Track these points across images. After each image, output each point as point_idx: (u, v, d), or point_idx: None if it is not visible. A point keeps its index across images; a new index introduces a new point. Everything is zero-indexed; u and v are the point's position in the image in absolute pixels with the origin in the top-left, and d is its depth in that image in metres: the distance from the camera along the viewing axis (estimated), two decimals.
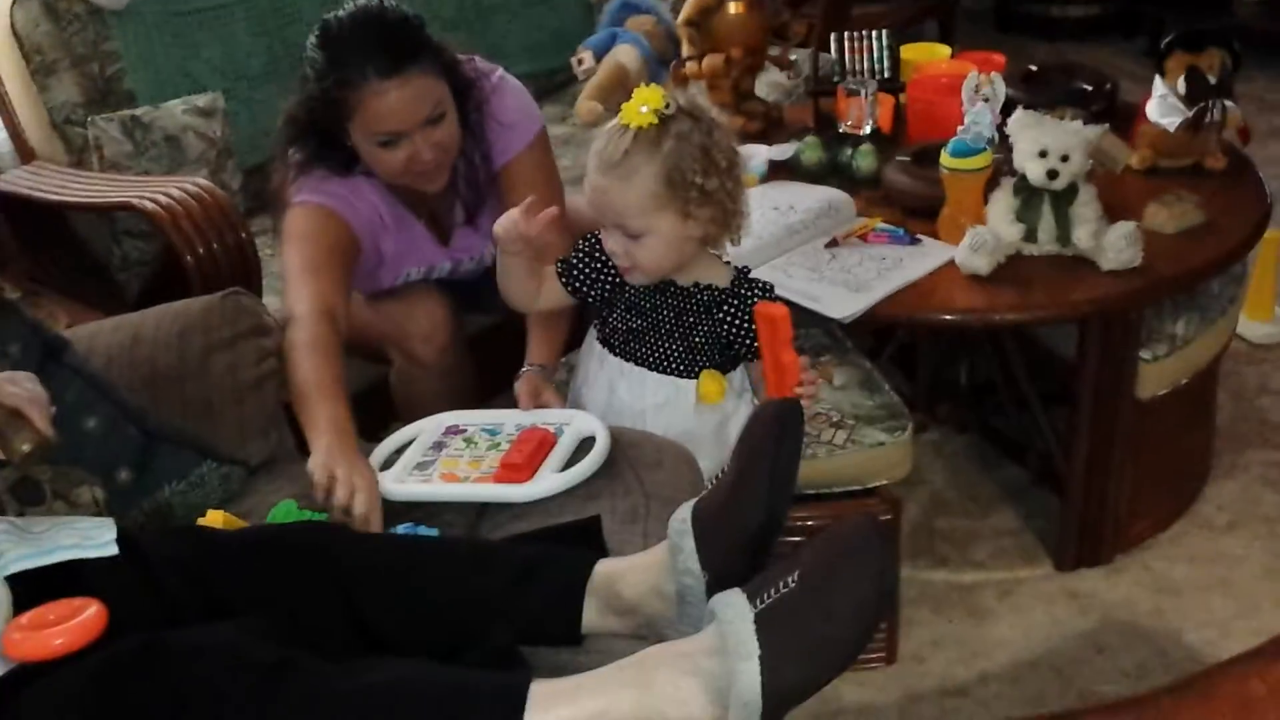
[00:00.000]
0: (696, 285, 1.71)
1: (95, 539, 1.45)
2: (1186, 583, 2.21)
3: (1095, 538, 2.25)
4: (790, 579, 1.19)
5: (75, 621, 1.31)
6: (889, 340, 2.59)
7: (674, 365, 1.75)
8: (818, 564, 1.19)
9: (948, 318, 2.02)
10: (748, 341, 1.71)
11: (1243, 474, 2.47)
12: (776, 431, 1.32)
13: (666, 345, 1.74)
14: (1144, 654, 2.07)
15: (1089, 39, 4.62)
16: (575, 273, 1.77)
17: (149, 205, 2.26)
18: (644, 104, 1.61)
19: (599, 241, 1.73)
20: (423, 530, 1.59)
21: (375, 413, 2.27)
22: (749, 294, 1.70)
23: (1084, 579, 2.24)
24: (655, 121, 1.59)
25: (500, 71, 2.10)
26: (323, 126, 1.94)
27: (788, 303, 1.77)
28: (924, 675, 2.06)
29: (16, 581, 1.38)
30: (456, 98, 1.96)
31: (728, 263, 1.76)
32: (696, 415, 1.76)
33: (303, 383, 1.71)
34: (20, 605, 1.36)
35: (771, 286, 1.74)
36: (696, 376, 1.74)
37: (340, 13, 1.89)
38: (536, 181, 2.07)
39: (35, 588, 1.37)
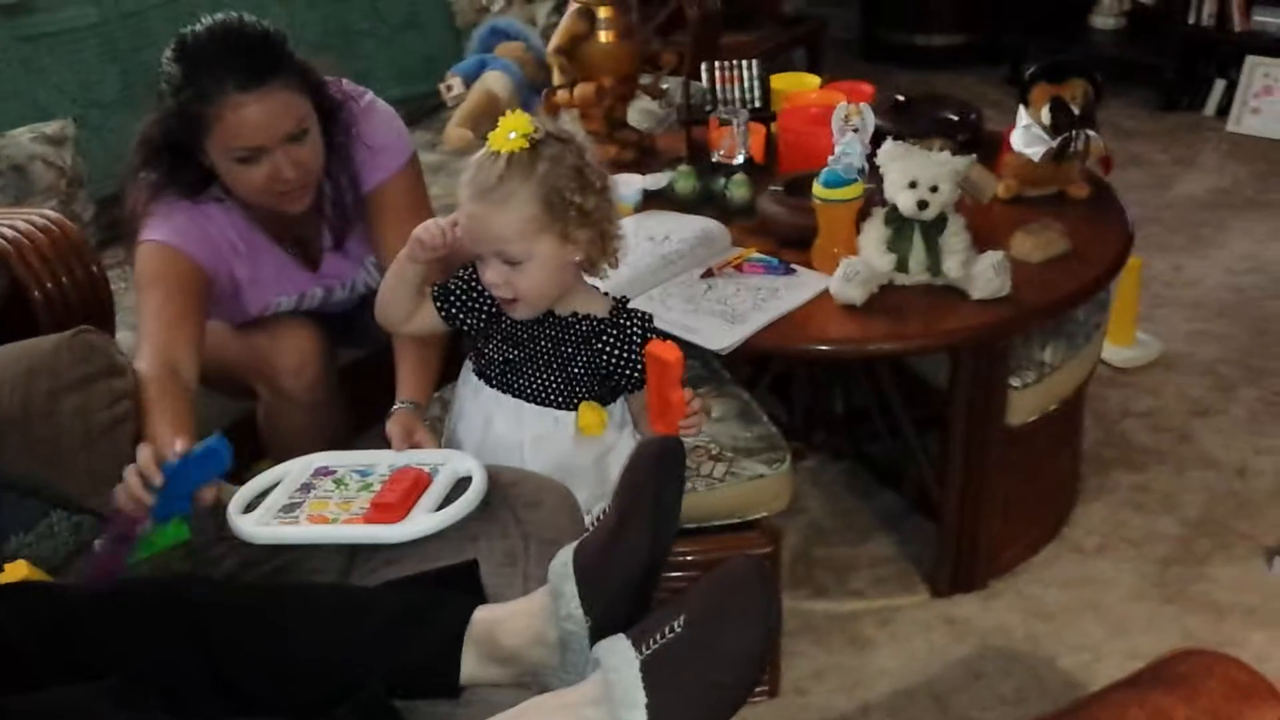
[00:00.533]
0: (575, 315, 1.68)
1: None
2: (1059, 607, 2.24)
3: (970, 564, 2.27)
4: (676, 624, 1.17)
5: None
6: (765, 369, 2.59)
7: (552, 397, 1.71)
8: (703, 608, 1.17)
9: (823, 348, 2.02)
10: (627, 373, 1.68)
11: (1109, 496, 2.52)
12: (658, 471, 1.30)
13: (544, 376, 1.70)
14: (1021, 679, 2.09)
15: (953, 68, 4.72)
16: (452, 299, 1.73)
17: None
18: (512, 130, 1.58)
19: (476, 270, 1.69)
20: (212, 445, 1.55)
21: (240, 450, 2.19)
22: (628, 324, 1.68)
23: (960, 605, 2.25)
24: (526, 146, 1.57)
25: (370, 95, 2.04)
26: (178, 145, 1.87)
27: (673, 338, 1.75)
28: (806, 708, 2.05)
29: None
30: (323, 119, 1.91)
31: (606, 294, 1.73)
32: (576, 447, 1.73)
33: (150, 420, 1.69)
34: None
35: (651, 317, 1.72)
36: (575, 408, 1.71)
37: (197, 26, 1.82)
38: (407, 207, 2.03)
39: None
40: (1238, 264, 3.39)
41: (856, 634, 2.20)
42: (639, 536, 1.28)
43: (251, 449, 2.18)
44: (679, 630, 1.16)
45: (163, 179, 1.92)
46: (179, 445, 1.55)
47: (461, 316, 1.73)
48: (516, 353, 1.70)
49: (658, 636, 1.17)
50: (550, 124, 1.63)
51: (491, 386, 1.74)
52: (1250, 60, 4.26)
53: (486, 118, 3.26)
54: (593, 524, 1.69)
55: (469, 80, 3.36)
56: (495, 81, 3.33)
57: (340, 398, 2.14)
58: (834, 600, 2.28)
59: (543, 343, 1.69)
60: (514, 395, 1.73)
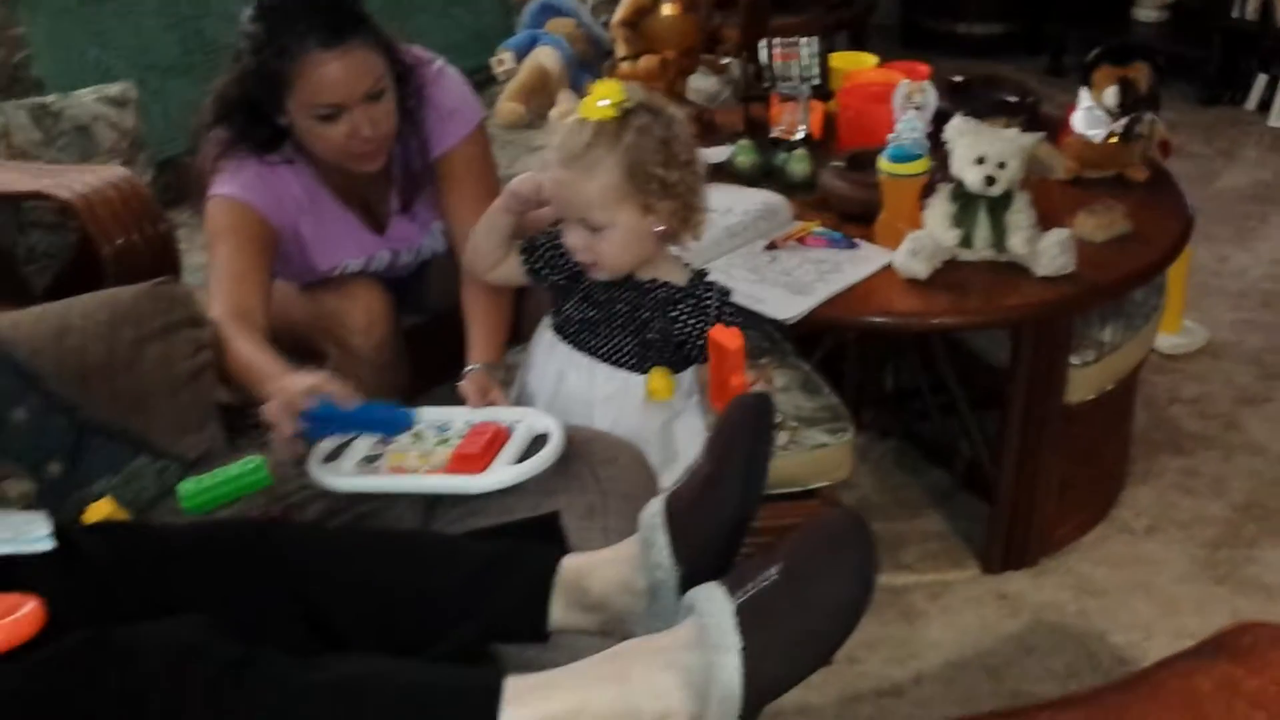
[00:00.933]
0: (654, 281, 1.70)
1: (29, 534, 1.38)
2: (1109, 585, 2.26)
3: (1022, 541, 2.28)
4: (772, 571, 1.18)
5: (9, 619, 1.24)
6: (816, 347, 2.61)
7: (625, 359, 1.73)
8: (800, 557, 1.18)
9: (887, 321, 2.04)
10: (699, 343, 1.70)
11: (1157, 480, 2.53)
12: (752, 426, 1.31)
13: (619, 339, 1.72)
14: (1072, 655, 2.11)
15: (993, 56, 4.71)
16: (538, 255, 1.76)
17: (64, 194, 2.17)
18: (603, 98, 1.60)
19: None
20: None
21: None
22: (705, 295, 1.70)
23: (1011, 581, 2.27)
24: (615, 115, 1.58)
25: (440, 62, 2.07)
26: (255, 105, 1.90)
27: (742, 310, 1.77)
28: (860, 676, 2.07)
29: None
30: (395, 83, 1.93)
31: (687, 264, 1.75)
32: (644, 411, 1.75)
33: (245, 362, 1.74)
34: None
35: (728, 292, 1.74)
36: (646, 372, 1.73)
37: None
38: (475, 172, 2.05)
39: None
40: None
41: (908, 607, 2.22)
42: (731, 489, 1.30)
43: None
44: (775, 578, 1.18)
45: (236, 136, 1.94)
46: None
47: (545, 272, 1.76)
48: (595, 313, 1.73)
49: (753, 584, 1.18)
50: (643, 94, 1.64)
51: (567, 343, 1.77)
52: None
53: (537, 93, 3.28)
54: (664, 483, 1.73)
55: (520, 55, 3.38)
56: (546, 57, 3.34)
57: (404, 360, 2.16)
58: (885, 573, 2.30)
59: (620, 305, 1.72)
60: (589, 354, 1.75)
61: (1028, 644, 2.13)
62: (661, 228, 1.65)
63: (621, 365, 1.74)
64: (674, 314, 1.70)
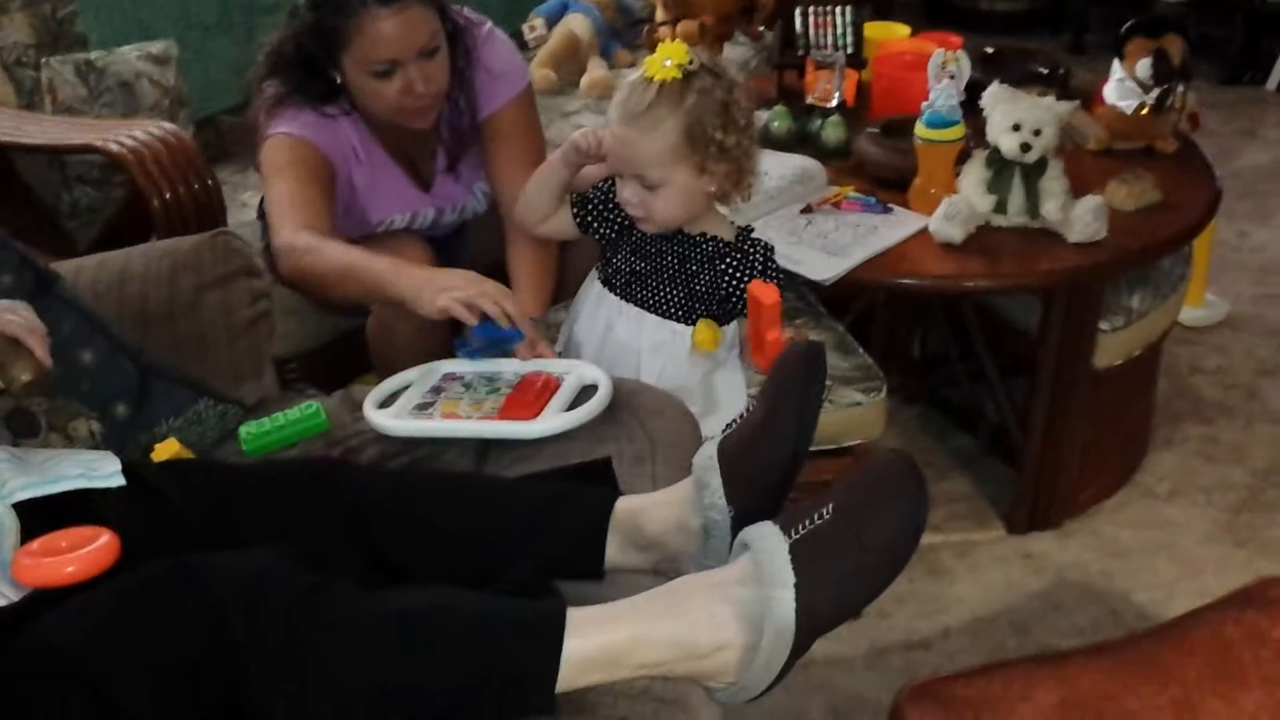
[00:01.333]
0: (703, 235, 1.75)
1: (100, 470, 1.44)
2: (1133, 547, 2.30)
3: (1047, 503, 2.33)
4: (824, 510, 1.23)
5: (89, 549, 1.30)
6: (846, 312, 2.65)
7: (673, 310, 1.78)
8: (852, 496, 1.23)
9: (921, 283, 2.08)
10: (744, 297, 1.74)
11: (1179, 447, 2.58)
12: (804, 372, 1.36)
13: (668, 290, 1.77)
14: (1096, 612, 2.16)
15: (1015, 33, 4.73)
16: (590, 208, 1.81)
17: (114, 148, 2.21)
18: (668, 57, 1.64)
19: (614, 185, 1.75)
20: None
21: (347, 366, 2.27)
22: (751, 250, 1.75)
23: (1036, 541, 2.32)
24: (679, 76, 1.62)
25: (489, 24, 2.10)
26: (310, 60, 1.93)
27: (784, 271, 1.82)
28: (889, 629, 2.12)
29: (21, 511, 1.36)
30: (447, 41, 1.97)
31: (732, 221, 1.79)
32: (689, 360, 1.80)
33: (342, 262, 1.77)
34: (26, 535, 1.34)
35: (772, 248, 1.78)
36: (693, 323, 1.78)
37: None
38: (522, 133, 2.09)
39: (41, 518, 1.35)
40: None
41: (936, 564, 2.27)
42: (784, 432, 1.35)
43: (354, 365, 2.25)
44: (828, 516, 1.22)
45: (292, 90, 1.98)
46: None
47: (596, 225, 1.81)
48: (644, 265, 1.77)
49: (806, 523, 1.23)
50: (705, 57, 1.68)
51: (615, 294, 1.81)
52: None
53: (568, 59, 3.32)
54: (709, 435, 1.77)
55: (551, 22, 3.42)
56: (577, 24, 3.38)
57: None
58: None
59: (669, 258, 1.76)
60: (637, 305, 1.80)
61: (1053, 601, 2.18)
62: (714, 188, 1.69)
63: (669, 316, 1.79)
64: (722, 267, 1.74)
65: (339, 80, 1.95)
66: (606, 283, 1.83)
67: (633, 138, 1.65)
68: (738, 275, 1.74)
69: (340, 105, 2.00)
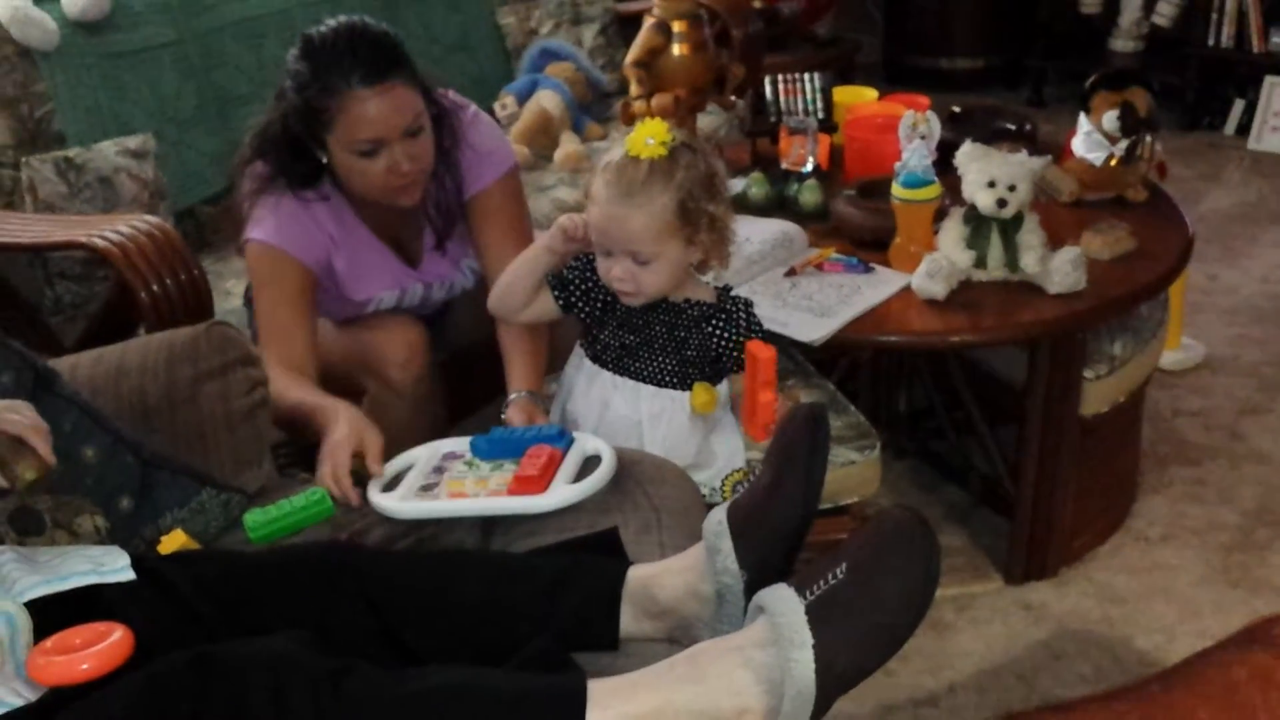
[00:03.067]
0: (687, 301, 1.78)
1: (109, 565, 1.43)
2: (1130, 592, 2.32)
3: (1043, 552, 2.35)
4: (838, 570, 1.24)
5: (103, 645, 1.29)
6: (833, 370, 2.67)
7: (668, 378, 1.81)
8: (865, 555, 1.24)
9: (908, 339, 2.11)
10: (734, 354, 1.79)
11: (1168, 490, 2.60)
12: (809, 434, 1.38)
13: (660, 359, 1.79)
14: (1099, 659, 2.17)
15: (975, 90, 4.84)
16: (571, 288, 1.83)
17: (100, 243, 2.22)
18: (650, 136, 1.68)
19: (591, 261, 1.78)
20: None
21: None
22: (734, 309, 1.79)
23: (1034, 591, 2.33)
24: (665, 153, 1.66)
25: (474, 107, 2.14)
26: (296, 140, 1.97)
27: (769, 332, 1.85)
28: (895, 687, 2.12)
29: (33, 610, 1.36)
30: (432, 121, 2.00)
31: (708, 282, 1.83)
32: (690, 423, 1.82)
33: (297, 403, 1.84)
34: (39, 633, 1.33)
35: (751, 303, 1.82)
36: (689, 388, 1.80)
37: (322, 27, 1.92)
38: (510, 212, 2.13)
39: (53, 615, 1.35)
40: (1271, 273, 3.50)
41: (937, 619, 2.27)
42: (792, 495, 1.37)
43: None
44: (841, 576, 1.24)
45: (274, 171, 2.01)
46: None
47: (580, 304, 1.83)
48: (633, 338, 1.80)
49: (821, 583, 1.24)
50: (681, 133, 1.73)
51: (608, 370, 1.83)
52: (1269, 80, 4.39)
53: (541, 134, 3.37)
54: (708, 494, 1.79)
55: (522, 99, 3.47)
56: (548, 100, 3.43)
57: (440, 391, 2.22)
58: None
59: (658, 328, 1.79)
60: (631, 377, 1.82)
61: (1055, 650, 2.19)
62: (699, 258, 1.72)
63: (665, 384, 1.81)
64: (709, 329, 1.78)
65: (324, 160, 1.98)
66: (596, 359, 1.85)
67: (626, 215, 1.68)
68: (726, 334, 1.77)
69: (322, 188, 2.03)
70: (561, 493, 1.61)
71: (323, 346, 2.07)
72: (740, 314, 1.79)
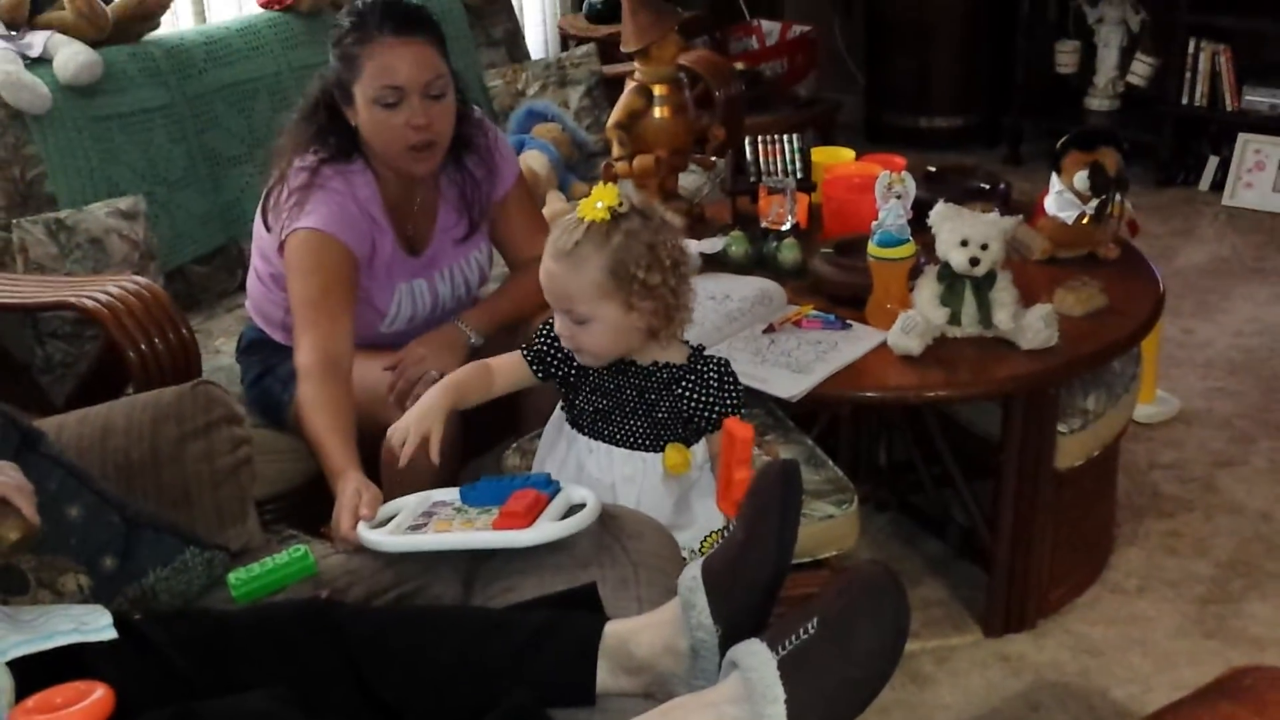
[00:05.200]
0: (655, 364, 1.81)
1: (92, 624, 1.46)
2: (1106, 644, 2.34)
3: (1020, 604, 2.37)
4: (810, 625, 1.27)
5: (84, 704, 1.31)
6: (812, 424, 2.71)
7: (640, 440, 1.83)
8: (835, 610, 1.27)
9: (884, 395, 2.15)
10: (707, 414, 1.81)
11: (1144, 542, 2.64)
12: (782, 490, 1.41)
13: (631, 423, 1.82)
14: (1076, 711, 2.19)
15: (953, 148, 4.90)
16: (546, 358, 1.87)
17: (89, 304, 2.25)
18: (600, 200, 1.72)
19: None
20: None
21: (324, 505, 2.28)
22: (705, 369, 1.81)
23: (1012, 643, 2.35)
24: (607, 217, 1.71)
25: (495, 128, 2.33)
26: (332, 102, 2.13)
27: (747, 389, 1.88)
28: None
29: (14, 668, 1.38)
30: (461, 122, 2.17)
31: (685, 342, 1.86)
32: (663, 485, 1.85)
33: (317, 440, 1.93)
34: (20, 692, 1.35)
35: (727, 361, 1.84)
36: (661, 450, 1.83)
37: None
38: (528, 206, 2.38)
39: (34, 674, 1.37)
40: (1245, 326, 3.55)
41: (916, 672, 2.29)
42: (765, 551, 1.39)
43: (330, 505, 2.26)
44: (813, 631, 1.27)
45: (316, 133, 2.15)
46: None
47: (554, 369, 1.87)
48: (605, 402, 1.83)
49: (793, 638, 1.27)
50: (639, 199, 1.78)
51: (584, 435, 1.86)
52: (1242, 137, 4.46)
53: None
54: (688, 555, 1.81)
55: None
56: (534, 160, 3.47)
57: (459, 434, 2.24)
58: None
59: (628, 391, 1.82)
60: (605, 441, 1.85)
61: (1033, 702, 2.21)
62: (643, 325, 1.76)
63: (636, 447, 1.84)
64: (679, 391, 1.80)
65: (355, 124, 2.11)
66: (574, 423, 1.89)
67: (560, 273, 1.73)
68: (696, 394, 1.80)
69: (354, 162, 2.16)
70: (545, 529, 1.63)
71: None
72: (712, 374, 1.81)
